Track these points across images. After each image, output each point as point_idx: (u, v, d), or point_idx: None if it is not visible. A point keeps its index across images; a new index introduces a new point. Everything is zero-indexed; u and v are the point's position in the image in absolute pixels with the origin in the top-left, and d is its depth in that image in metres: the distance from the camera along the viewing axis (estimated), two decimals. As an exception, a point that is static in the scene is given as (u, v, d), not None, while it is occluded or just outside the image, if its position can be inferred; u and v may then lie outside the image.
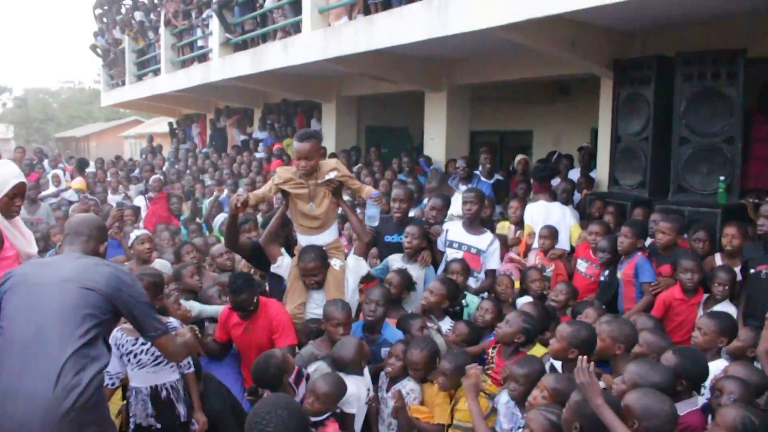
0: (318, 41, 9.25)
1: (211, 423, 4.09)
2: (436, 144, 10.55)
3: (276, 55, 10.46)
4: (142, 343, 3.84)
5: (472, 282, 5.48)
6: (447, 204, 6.07)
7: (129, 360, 3.89)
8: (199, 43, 14.00)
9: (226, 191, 10.25)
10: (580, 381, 2.95)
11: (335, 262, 4.64)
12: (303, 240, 4.70)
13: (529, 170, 9.14)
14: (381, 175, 9.99)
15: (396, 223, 5.59)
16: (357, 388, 3.86)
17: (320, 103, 13.37)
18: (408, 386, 4.06)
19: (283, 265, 4.75)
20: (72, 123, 51.72)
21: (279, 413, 2.47)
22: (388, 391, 4.13)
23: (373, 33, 8.20)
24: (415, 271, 5.21)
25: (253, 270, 5.41)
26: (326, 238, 4.72)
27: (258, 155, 13.62)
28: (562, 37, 7.01)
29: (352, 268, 4.78)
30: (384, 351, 4.43)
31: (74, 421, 2.68)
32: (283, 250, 4.81)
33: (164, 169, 14.19)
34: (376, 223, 5.23)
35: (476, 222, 5.71)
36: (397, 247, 5.46)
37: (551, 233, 6.19)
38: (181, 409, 3.95)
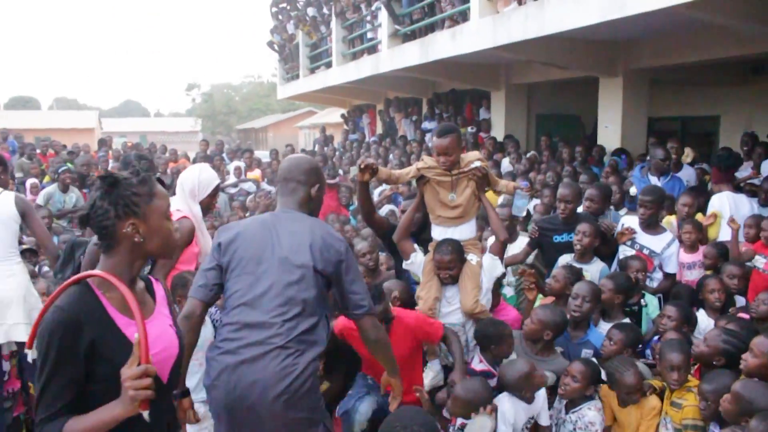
0: (486, 29, 9.03)
1: None
2: (610, 132, 9.99)
3: (444, 44, 10.35)
4: None
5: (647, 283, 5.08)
6: (605, 195, 5.70)
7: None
8: (369, 35, 14.21)
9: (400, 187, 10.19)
10: None
11: (472, 257, 4.36)
12: (439, 233, 4.43)
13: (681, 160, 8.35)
14: (547, 165, 9.61)
15: (563, 222, 5.33)
16: (514, 412, 3.57)
17: (489, 92, 13.13)
18: (588, 417, 3.68)
19: (416, 261, 4.49)
20: (252, 115, 54.86)
21: (415, 429, 2.50)
22: (567, 412, 3.80)
23: (544, 18, 7.85)
24: (590, 271, 4.91)
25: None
26: (464, 233, 4.41)
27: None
28: (759, 11, 6.32)
29: (487, 267, 4.44)
30: (585, 353, 4.16)
31: (287, 403, 2.79)
32: (416, 246, 4.58)
33: (334, 159, 14.53)
34: (524, 214, 4.95)
35: (654, 222, 5.33)
36: (566, 248, 5.19)
37: (756, 222, 5.30)
38: None
